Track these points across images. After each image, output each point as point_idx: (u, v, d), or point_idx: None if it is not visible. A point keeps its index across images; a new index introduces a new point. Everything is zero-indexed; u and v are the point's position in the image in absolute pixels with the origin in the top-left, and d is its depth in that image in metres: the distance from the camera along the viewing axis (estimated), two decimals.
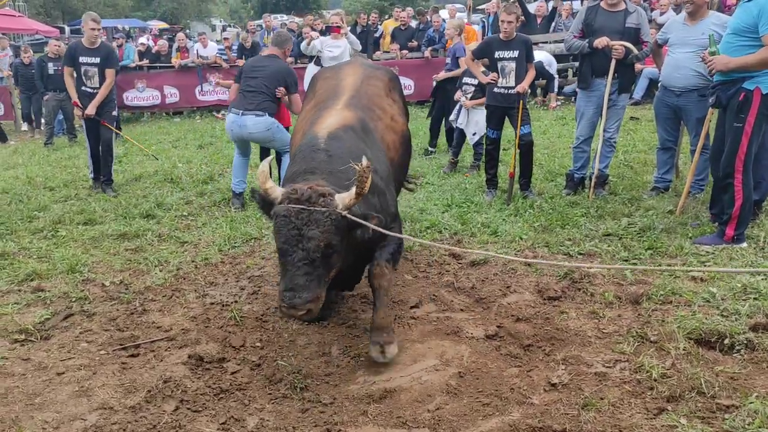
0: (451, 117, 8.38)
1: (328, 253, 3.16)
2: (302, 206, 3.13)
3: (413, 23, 15.32)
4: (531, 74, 6.57)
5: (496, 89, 6.56)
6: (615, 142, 6.68)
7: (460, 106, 8.14)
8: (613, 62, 6.16)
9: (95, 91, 7.64)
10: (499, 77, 6.50)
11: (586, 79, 6.49)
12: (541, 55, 11.59)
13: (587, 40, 6.29)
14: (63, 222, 6.50)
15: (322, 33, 11.65)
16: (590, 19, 6.36)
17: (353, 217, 3.18)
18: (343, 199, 3.18)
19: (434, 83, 9.36)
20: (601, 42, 6.10)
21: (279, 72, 6.61)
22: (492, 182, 6.93)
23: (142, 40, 17.92)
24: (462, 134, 8.31)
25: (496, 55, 6.52)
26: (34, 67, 13.07)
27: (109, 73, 7.70)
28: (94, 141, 7.86)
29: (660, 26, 10.63)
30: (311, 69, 10.18)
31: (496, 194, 6.84)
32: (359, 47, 11.15)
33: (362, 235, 3.26)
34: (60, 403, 3.32)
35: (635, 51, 6.14)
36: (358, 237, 3.27)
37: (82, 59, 7.60)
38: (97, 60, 7.60)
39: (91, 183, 8.07)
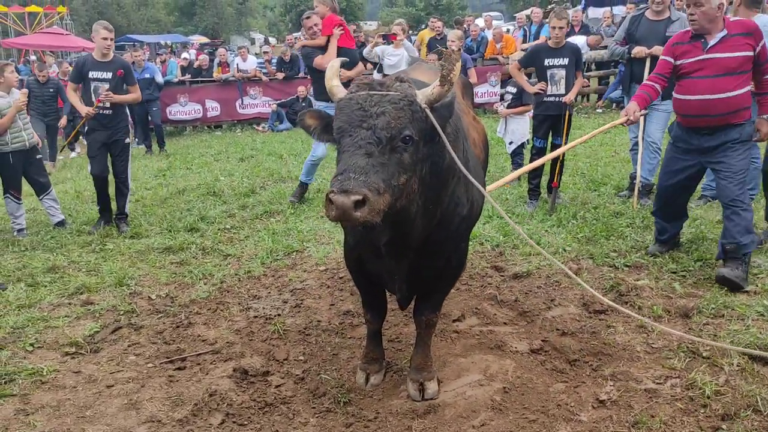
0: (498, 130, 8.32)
1: (399, 145, 2.50)
2: (374, 91, 2.58)
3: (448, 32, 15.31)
4: (579, 82, 6.55)
5: (546, 98, 6.54)
6: (658, 148, 6.56)
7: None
8: (648, 65, 6.24)
9: (104, 112, 6.68)
10: (548, 86, 6.47)
11: (626, 85, 6.82)
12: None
13: (627, 47, 6.53)
14: (110, 236, 6.66)
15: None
16: (632, 29, 6.55)
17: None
18: (424, 91, 2.65)
19: None
20: (638, 52, 6.38)
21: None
22: (534, 192, 6.86)
23: (185, 54, 18.30)
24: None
25: (546, 63, 6.49)
26: (51, 86, 11.37)
27: (133, 89, 6.97)
28: (100, 172, 6.81)
29: None
30: (376, 78, 10.34)
31: (539, 205, 6.76)
32: (416, 53, 11.26)
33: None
34: (110, 416, 3.38)
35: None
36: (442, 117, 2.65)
37: (92, 74, 6.67)
38: (109, 75, 6.67)
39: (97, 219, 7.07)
